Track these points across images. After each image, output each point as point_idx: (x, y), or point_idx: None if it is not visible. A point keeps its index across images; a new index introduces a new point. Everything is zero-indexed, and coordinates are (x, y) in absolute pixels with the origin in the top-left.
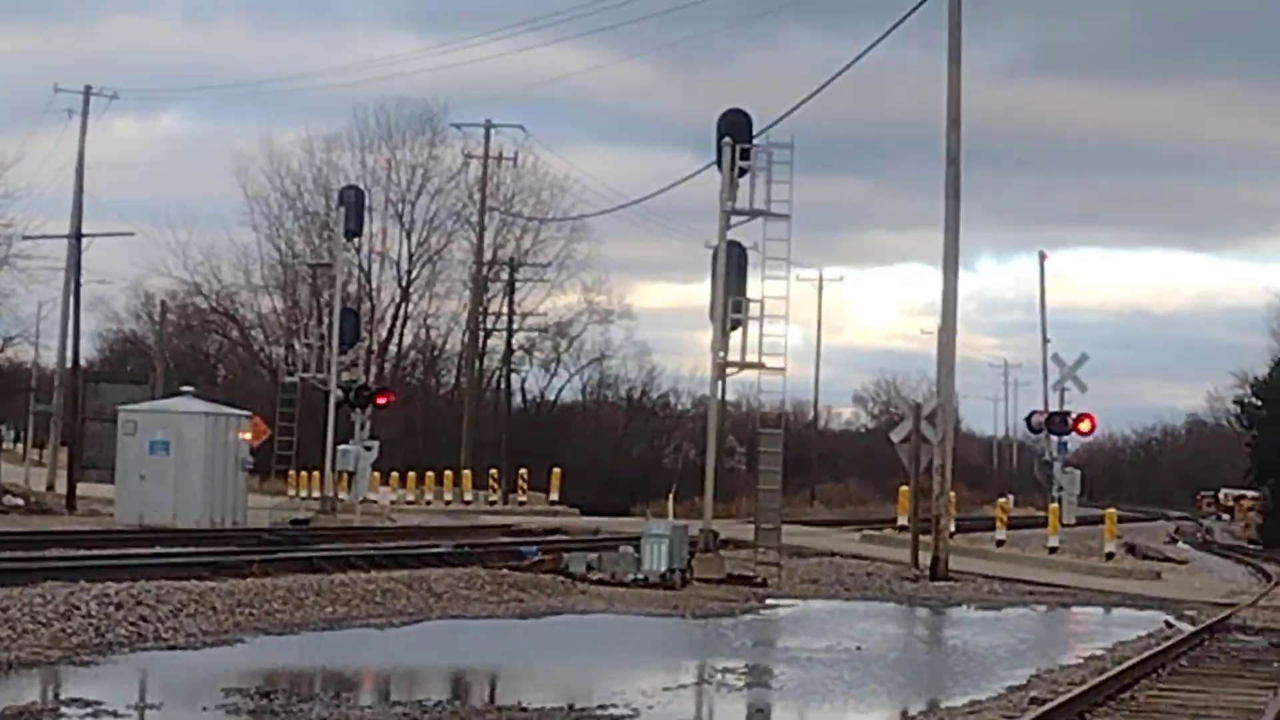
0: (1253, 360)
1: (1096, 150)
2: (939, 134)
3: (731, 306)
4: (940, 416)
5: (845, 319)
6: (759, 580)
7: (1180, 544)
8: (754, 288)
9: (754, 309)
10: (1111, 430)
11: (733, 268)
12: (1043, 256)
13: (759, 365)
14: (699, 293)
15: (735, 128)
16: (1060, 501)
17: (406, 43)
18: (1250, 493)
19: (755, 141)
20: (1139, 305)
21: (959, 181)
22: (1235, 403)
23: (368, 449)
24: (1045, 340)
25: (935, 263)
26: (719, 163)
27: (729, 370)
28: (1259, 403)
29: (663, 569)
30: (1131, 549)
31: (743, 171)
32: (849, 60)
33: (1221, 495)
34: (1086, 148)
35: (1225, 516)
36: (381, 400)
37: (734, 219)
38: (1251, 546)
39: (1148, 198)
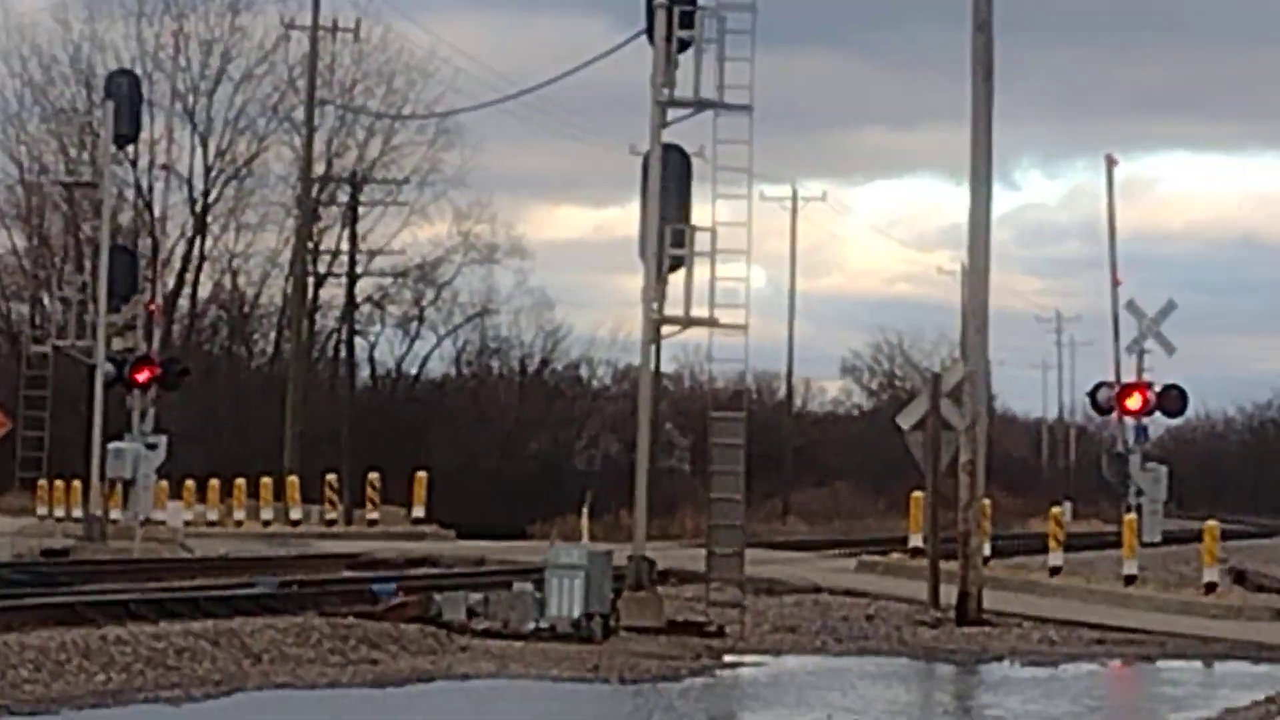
0: None
1: (1179, 9)
2: None
3: (671, 238)
4: (969, 392)
5: (830, 255)
6: (714, 628)
7: None
8: (701, 212)
9: (703, 241)
10: (1209, 409)
11: (672, 183)
12: (1111, 162)
13: (710, 322)
14: (620, 219)
15: None
16: (1140, 511)
17: None
18: None
19: (702, 2)
20: (1245, 230)
21: (991, 55)
22: None
23: (151, 448)
24: (1115, 283)
25: (956, 174)
26: (649, 32)
27: (667, 329)
28: None
29: (576, 614)
30: (1240, 577)
31: (684, 45)
32: None
33: None
34: (1166, 6)
35: None
36: (142, 375)
37: (672, 113)
38: None
39: (1257, 76)
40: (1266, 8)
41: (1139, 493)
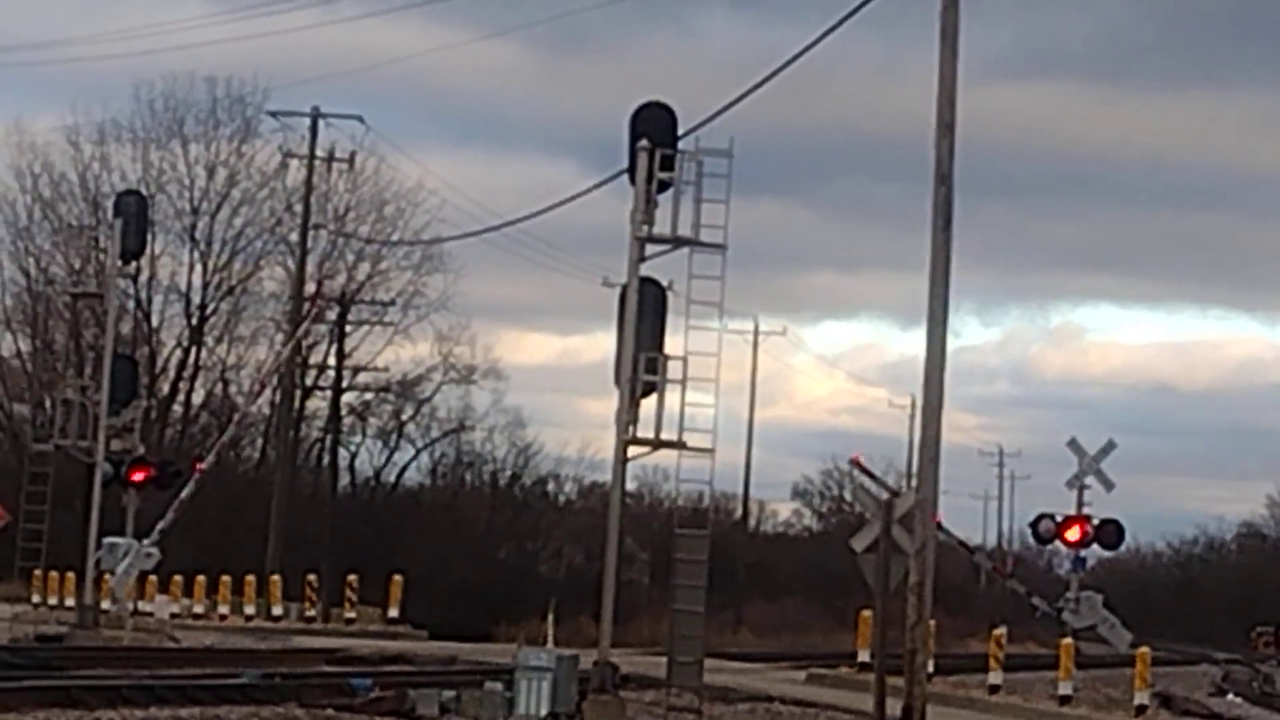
0: None
1: (1108, 175)
2: (905, 145)
3: (645, 365)
4: (919, 518)
5: (778, 386)
6: None
7: (1231, 696)
8: (673, 341)
9: (673, 369)
10: (1139, 543)
11: (647, 313)
12: (853, 463)
13: (679, 444)
14: (584, 347)
15: (656, 126)
16: (1105, 628)
17: (208, 3)
18: None
19: (681, 146)
20: (1161, 379)
21: (951, 206)
22: None
23: (148, 556)
24: (911, 483)
25: (898, 315)
26: (631, 172)
27: (636, 450)
28: None
29: (544, 714)
30: (1167, 701)
31: (663, 186)
32: (793, 47)
33: None
34: (1095, 171)
35: None
36: (138, 475)
37: (648, 248)
38: None
39: (1174, 237)
40: (1179, 181)
41: (1064, 624)
